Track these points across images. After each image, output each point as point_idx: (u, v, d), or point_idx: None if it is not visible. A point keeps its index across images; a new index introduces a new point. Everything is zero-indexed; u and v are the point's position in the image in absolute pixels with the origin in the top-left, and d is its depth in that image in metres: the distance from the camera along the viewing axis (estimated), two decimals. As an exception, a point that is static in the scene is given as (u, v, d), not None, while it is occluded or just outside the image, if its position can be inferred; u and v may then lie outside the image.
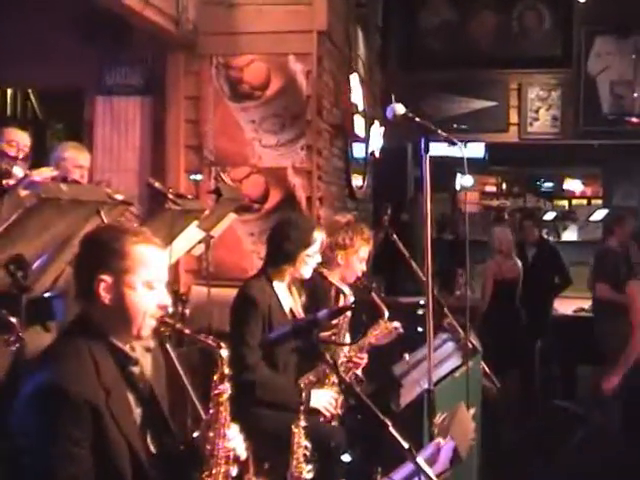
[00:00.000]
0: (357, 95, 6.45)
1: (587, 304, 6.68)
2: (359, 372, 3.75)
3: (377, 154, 7.44)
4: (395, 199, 7.76)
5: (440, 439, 2.10)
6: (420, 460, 1.77)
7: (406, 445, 1.78)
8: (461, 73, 8.38)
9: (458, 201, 10.69)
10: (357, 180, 6.76)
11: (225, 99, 5.53)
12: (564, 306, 6.99)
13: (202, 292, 4.85)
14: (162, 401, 2.19)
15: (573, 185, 13.28)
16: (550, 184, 13.36)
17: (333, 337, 3.60)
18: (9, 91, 6.66)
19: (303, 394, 3.16)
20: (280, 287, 3.53)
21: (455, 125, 8.12)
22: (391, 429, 1.80)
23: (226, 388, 2.12)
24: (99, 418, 1.91)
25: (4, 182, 3.52)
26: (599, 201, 11.60)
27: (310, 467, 2.89)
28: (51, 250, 2.68)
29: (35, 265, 2.61)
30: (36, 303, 2.89)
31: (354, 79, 6.37)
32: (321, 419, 3.40)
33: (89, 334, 2.01)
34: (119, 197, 2.77)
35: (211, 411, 2.11)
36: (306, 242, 3.46)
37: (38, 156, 4.51)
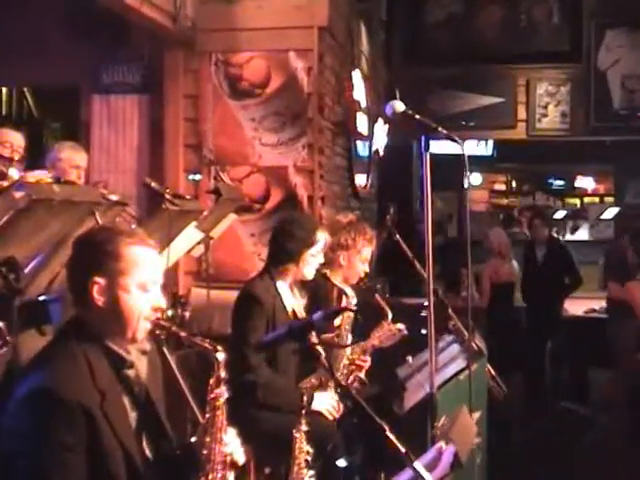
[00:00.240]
0: (360, 92, 6.45)
1: (598, 305, 6.69)
2: (362, 375, 3.77)
3: (381, 152, 7.45)
4: (400, 198, 7.79)
5: (442, 443, 2.11)
6: (418, 465, 1.78)
7: (403, 450, 1.79)
8: (467, 68, 8.36)
9: (465, 200, 10.70)
10: (361, 179, 6.77)
11: (225, 97, 5.55)
12: (575, 307, 6.99)
13: (202, 294, 4.88)
14: (159, 405, 2.20)
15: (585, 183, 13.25)
16: (561, 182, 13.33)
17: (336, 339, 3.62)
18: (4, 90, 6.69)
19: (305, 397, 3.17)
20: (283, 287, 3.56)
21: (463, 122, 8.13)
22: (388, 433, 1.81)
23: (222, 392, 2.13)
24: (93, 422, 1.92)
25: (-1, 184, 3.54)
26: (612, 199, 11.59)
27: (312, 472, 2.91)
28: (45, 252, 2.70)
29: (28, 267, 2.63)
30: (30, 306, 2.91)
31: (356, 75, 6.37)
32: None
33: (83, 337, 2.02)
34: (114, 198, 2.79)
35: (207, 415, 2.13)
36: (309, 241, 3.49)
37: (35, 156, 4.54)
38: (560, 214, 12.19)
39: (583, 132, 8.32)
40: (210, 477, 2.09)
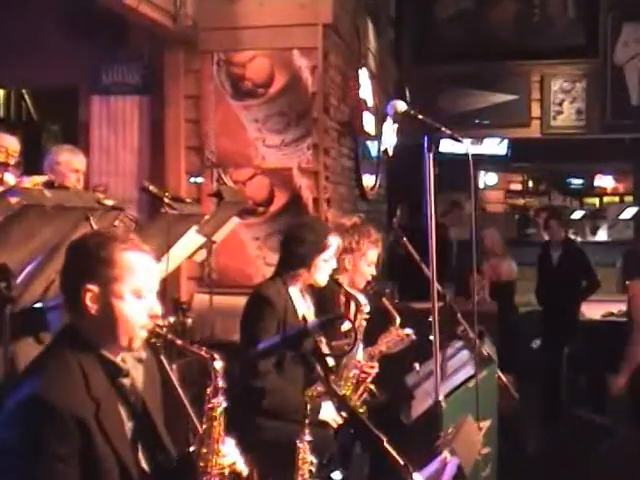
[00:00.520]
0: (366, 91, 6.45)
1: (616, 308, 6.65)
2: (372, 386, 3.77)
3: (390, 152, 7.45)
4: (411, 199, 7.79)
5: (447, 454, 2.11)
6: (417, 477, 1.78)
7: (402, 462, 1.80)
8: (480, 65, 8.36)
9: (480, 200, 10.68)
10: (369, 180, 6.77)
11: (227, 97, 5.55)
12: (592, 310, 6.96)
13: (205, 300, 4.89)
14: (155, 414, 2.20)
15: (605, 182, 13.18)
16: (580, 181, 13.28)
17: (347, 347, 3.62)
18: (2, 92, 6.74)
19: (308, 406, 3.18)
20: (294, 292, 3.57)
21: (477, 121, 8.12)
22: (386, 444, 1.82)
23: (220, 402, 2.13)
24: (87, 432, 1.92)
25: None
26: (631, 198, 11.54)
27: (316, 483, 2.91)
28: (39, 259, 2.71)
29: (22, 274, 2.65)
30: (26, 314, 2.93)
31: (363, 74, 6.38)
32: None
33: (78, 345, 2.02)
34: (109, 202, 2.80)
35: (204, 426, 2.13)
36: (321, 246, 3.49)
37: (33, 159, 4.57)
38: (578, 214, 12.15)
39: (599, 130, 8.30)
40: (207, 489, 2.10)
